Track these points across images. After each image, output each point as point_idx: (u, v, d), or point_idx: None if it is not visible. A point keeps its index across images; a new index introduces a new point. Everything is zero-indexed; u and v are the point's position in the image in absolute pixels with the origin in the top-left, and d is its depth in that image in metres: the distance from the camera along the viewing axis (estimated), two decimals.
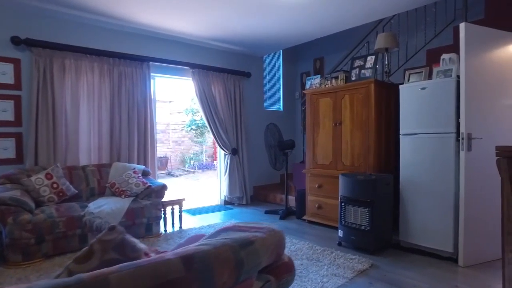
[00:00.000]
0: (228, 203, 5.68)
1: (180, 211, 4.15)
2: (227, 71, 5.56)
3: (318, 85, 4.19)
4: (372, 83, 3.54)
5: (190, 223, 4.41)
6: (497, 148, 1.60)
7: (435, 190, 2.98)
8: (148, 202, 3.73)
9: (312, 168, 4.21)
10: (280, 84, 6.60)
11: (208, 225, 4.20)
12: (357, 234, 3.18)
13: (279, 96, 6.60)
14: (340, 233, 3.35)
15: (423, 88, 3.08)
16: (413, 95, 3.15)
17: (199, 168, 10.50)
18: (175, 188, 8.04)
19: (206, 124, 5.43)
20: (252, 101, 6.05)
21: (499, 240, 3.11)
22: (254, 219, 4.59)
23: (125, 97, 4.47)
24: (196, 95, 5.26)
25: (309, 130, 4.26)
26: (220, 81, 5.49)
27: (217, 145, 5.61)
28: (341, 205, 3.34)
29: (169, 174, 10.10)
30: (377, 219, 3.09)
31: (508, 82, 3.03)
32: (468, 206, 2.79)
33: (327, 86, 4.06)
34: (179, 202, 4.15)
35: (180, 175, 10.05)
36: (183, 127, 11.22)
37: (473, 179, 2.80)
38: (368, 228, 3.10)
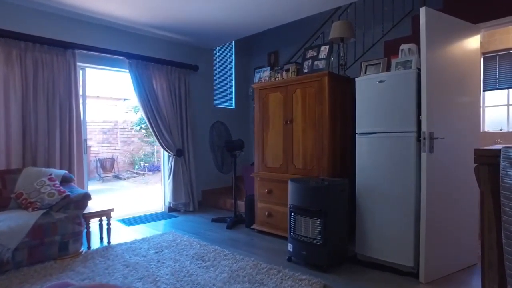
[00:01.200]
0: (173, 210, 5.11)
1: (109, 224, 3.53)
2: (171, 64, 4.98)
3: (267, 78, 3.75)
4: (325, 76, 3.15)
5: (124, 236, 3.80)
6: (476, 152, 1.21)
7: (395, 196, 2.63)
8: (64, 216, 3.08)
9: (261, 171, 3.77)
10: (232, 80, 6.11)
11: (143, 239, 3.61)
12: (309, 249, 2.76)
13: (231, 93, 6.11)
14: (290, 247, 2.92)
15: (381, 81, 2.72)
16: (370, 89, 2.79)
17: (150, 170, 9.77)
18: (119, 193, 7.30)
19: (147, 122, 4.83)
20: (201, 97, 5.51)
21: (462, 248, 2.85)
22: (199, 229, 4.07)
23: (42, 89, 3.77)
24: (134, 89, 4.64)
25: (257, 129, 3.81)
26: (162, 75, 4.91)
27: (160, 146, 5.02)
28: (290, 215, 2.91)
29: (116, 177, 9.29)
30: (330, 231, 2.69)
31: (468, 77, 2.75)
32: (430, 215, 2.46)
33: (277, 79, 3.63)
34: (106, 213, 3.53)
35: (128, 178, 9.27)
36: (132, 126, 10.41)
37: (435, 184, 2.47)
38: (320, 241, 2.69)
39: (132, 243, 3.48)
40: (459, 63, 2.67)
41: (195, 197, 5.20)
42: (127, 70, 4.56)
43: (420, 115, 2.45)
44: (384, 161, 2.69)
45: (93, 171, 9.32)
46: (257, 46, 6.09)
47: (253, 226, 3.90)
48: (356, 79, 2.90)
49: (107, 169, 9.33)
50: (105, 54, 4.33)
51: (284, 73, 3.56)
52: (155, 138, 4.94)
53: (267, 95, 3.69)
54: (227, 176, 5.57)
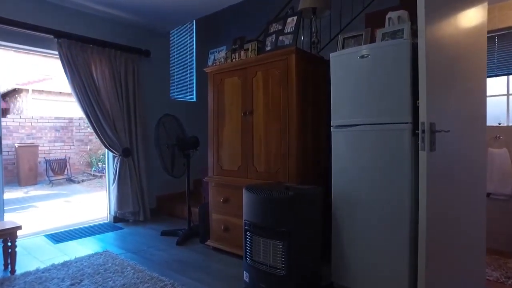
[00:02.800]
0: (120, 220, 4.31)
1: (12, 247, 2.71)
2: (116, 47, 4.17)
3: (223, 60, 3.03)
4: (292, 53, 2.46)
5: (43, 258, 2.99)
6: None
7: (382, 210, 1.97)
8: None
9: (216, 175, 3.04)
10: (193, 69, 5.35)
11: (63, 263, 2.82)
12: (269, 281, 2.07)
13: (192, 84, 5.35)
14: (246, 276, 2.22)
15: (363, 56, 2.05)
16: (349, 68, 2.12)
17: None
18: (66, 199, 6.40)
19: (84, 116, 4.00)
20: (154, 88, 4.72)
21: (469, 275, 2.25)
22: (142, 245, 3.30)
23: None
24: (66, 76, 3.81)
25: (211, 123, 3.08)
26: (105, 59, 4.09)
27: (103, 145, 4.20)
28: (246, 234, 2.20)
29: (70, 180, 8.33)
30: (297, 258, 2.00)
31: (474, 58, 2.12)
32: (432, 234, 1.80)
33: (234, 60, 2.91)
34: (9, 232, 2.70)
35: (83, 180, 8.32)
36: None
37: (438, 193, 1.82)
38: (284, 272, 1.99)
39: (45, 270, 2.67)
40: (463, 39, 2.03)
41: (147, 205, 4.42)
42: (57, 53, 3.73)
43: (418, 100, 1.79)
44: (368, 162, 2.02)
45: (43, 173, 8.32)
46: (222, 31, 5.35)
47: (208, 242, 3.17)
48: (331, 54, 2.22)
49: (58, 171, 8.35)
50: (24, 30, 3.48)
51: (242, 52, 2.85)
52: (96, 136, 4.13)
53: (223, 81, 2.97)
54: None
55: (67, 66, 3.77)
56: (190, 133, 3.70)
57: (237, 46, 2.93)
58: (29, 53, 4.32)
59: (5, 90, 12.89)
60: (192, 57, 5.33)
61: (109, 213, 4.37)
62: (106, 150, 4.29)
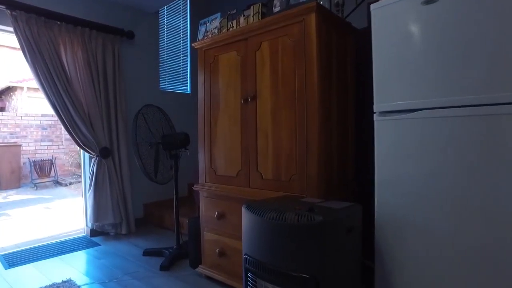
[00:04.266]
0: (99, 233, 3.60)
1: None
2: (91, 25, 3.46)
3: (217, 31, 2.30)
4: (312, 12, 1.72)
5: None
6: None
7: (480, 250, 1.23)
8: None
9: (209, 182, 2.32)
10: (187, 56, 4.63)
11: None
12: None
13: (186, 72, 4.63)
14: None
15: (429, 2, 1.31)
16: (406, 22, 1.39)
17: None
18: (46, 204, 5.71)
19: (52, 109, 3.30)
20: (140, 76, 4.00)
21: None
22: (117, 271, 2.60)
23: None
24: (26, 59, 3.10)
25: (202, 113, 2.36)
26: (77, 40, 3.38)
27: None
28: (246, 276, 1.47)
29: (56, 183, 7.64)
30: None
31: None
32: None
33: (231, 29, 2.18)
34: None
35: (71, 183, 7.63)
36: None
37: None
38: None
39: None
40: None
41: (131, 215, 3.71)
42: (12, 29, 3.02)
43: None
44: (444, 168, 1.29)
45: (29, 176, 7.65)
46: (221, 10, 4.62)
47: (200, 268, 2.45)
48: (373, 6, 1.49)
49: (44, 173, 7.67)
50: None
51: (242, 19, 2.12)
52: (67, 133, 3.42)
53: (216, 59, 2.24)
54: (182, 183, 4.11)
55: (26, 47, 3.06)
56: (182, 130, 2.99)
57: (235, 11, 2.20)
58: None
59: (0, 88, 12.29)
60: (186, 42, 4.61)
61: (86, 225, 3.66)
62: (81, 150, 3.58)
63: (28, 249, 3.25)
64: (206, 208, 2.34)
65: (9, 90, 11.82)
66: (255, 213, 1.36)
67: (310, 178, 1.75)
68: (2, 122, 8.07)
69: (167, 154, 2.82)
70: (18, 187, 7.54)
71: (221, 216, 2.20)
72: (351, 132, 2.14)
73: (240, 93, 2.09)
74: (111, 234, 3.62)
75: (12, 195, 6.79)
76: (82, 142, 3.41)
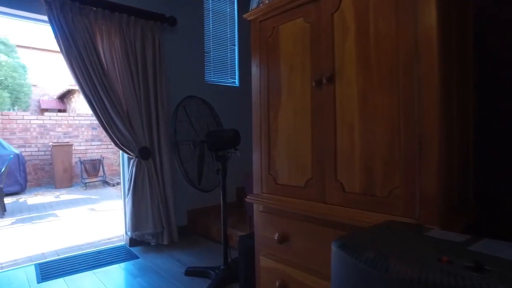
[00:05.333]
0: (138, 243, 3.24)
1: None
2: (129, 11, 3.09)
3: None
4: None
5: None
6: None
7: None
8: None
9: (266, 193, 1.77)
10: (235, 45, 4.15)
11: None
12: None
13: (234, 64, 4.15)
14: None
15: None
16: None
17: None
18: (90, 206, 5.55)
19: (87, 105, 2.97)
20: (183, 68, 3.59)
21: None
22: None
23: None
24: (60, 49, 2.79)
25: (257, 104, 1.81)
26: (114, 28, 3.03)
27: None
28: None
29: (105, 182, 7.59)
30: None
31: None
32: None
33: None
34: None
35: (118, 183, 7.53)
36: None
37: None
38: None
39: None
40: None
41: (173, 224, 3.30)
42: (46, 18, 2.71)
43: None
44: None
45: (79, 175, 7.68)
46: None
47: None
48: None
49: (93, 172, 7.65)
50: None
51: None
52: (104, 132, 3.08)
53: (276, 31, 1.70)
54: (230, 187, 3.64)
55: (61, 37, 2.74)
56: (228, 127, 2.49)
57: None
58: None
59: (62, 92, 12.87)
60: (234, 29, 4.13)
61: (125, 233, 3.31)
62: (120, 151, 3.22)
63: (65, 259, 2.95)
64: (262, 226, 1.80)
65: (69, 93, 12.33)
66: (363, 261, 0.79)
67: (425, 195, 1.14)
68: (57, 123, 8.21)
69: (213, 155, 2.33)
70: (70, 186, 7.59)
71: (283, 239, 1.65)
72: (471, 130, 1.49)
73: (310, 74, 1.52)
74: (152, 244, 3.23)
75: (64, 194, 6.80)
76: (120, 141, 3.04)
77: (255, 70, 1.81)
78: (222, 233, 2.41)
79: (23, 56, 13.74)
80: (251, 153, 1.83)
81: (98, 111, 2.92)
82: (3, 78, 12.42)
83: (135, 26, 3.13)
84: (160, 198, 3.19)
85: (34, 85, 14.11)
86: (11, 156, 5.83)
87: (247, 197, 1.85)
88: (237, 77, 4.13)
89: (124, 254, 3.01)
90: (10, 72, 12.82)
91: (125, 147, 3.07)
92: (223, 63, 4.03)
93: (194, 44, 3.68)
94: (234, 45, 4.13)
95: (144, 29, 3.18)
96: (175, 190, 3.34)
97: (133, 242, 3.22)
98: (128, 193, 3.11)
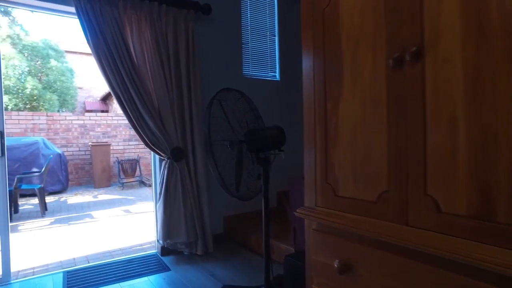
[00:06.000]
0: (171, 252, 2.98)
1: None
2: (161, 0, 2.83)
3: None
4: None
5: None
6: None
7: None
8: None
9: (322, 206, 1.39)
10: (275, 35, 3.79)
11: None
12: None
13: (274, 56, 3.79)
14: None
15: None
16: None
17: None
18: (125, 207, 5.42)
19: (116, 101, 2.74)
20: (219, 60, 3.29)
21: None
22: None
23: None
24: (88, 42, 2.58)
25: (310, 95, 1.43)
26: (144, 18, 2.78)
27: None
28: None
29: (141, 183, 7.53)
30: None
31: None
32: None
33: None
34: None
35: None
36: None
37: None
38: None
39: None
40: None
41: (208, 232, 3.00)
42: (74, 11, 2.51)
43: None
44: None
45: (117, 175, 7.69)
46: None
47: None
48: None
49: (130, 172, 7.61)
50: None
51: None
52: (134, 131, 2.83)
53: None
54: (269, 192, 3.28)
55: (88, 29, 2.53)
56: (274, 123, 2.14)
57: None
58: None
59: (104, 94, 13.25)
60: (273, 18, 3.77)
61: (157, 241, 3.06)
62: (152, 152, 2.97)
63: (93, 267, 2.75)
64: (316, 249, 1.43)
65: (111, 95, 12.63)
66: None
67: None
68: (96, 123, 8.30)
69: (253, 157, 1.99)
70: (108, 186, 7.62)
71: (345, 268, 1.27)
72: None
73: (384, 51, 1.12)
74: (185, 253, 2.96)
75: (102, 194, 6.79)
76: (151, 141, 2.79)
77: (307, 51, 1.44)
78: (264, 249, 2.05)
79: (71, 61, 14.28)
80: (295, 155, 1.46)
81: (127, 108, 2.68)
82: (53, 81, 12.93)
83: (167, 15, 2.86)
84: (194, 203, 2.90)
85: (80, 88, 14.65)
86: (51, 156, 5.86)
87: (297, 210, 1.48)
88: (277, 70, 3.77)
89: (154, 265, 2.76)
90: (59, 76, 13.34)
91: (156, 147, 2.81)
92: (262, 55, 3.69)
93: (230, 34, 3.36)
94: (274, 35, 3.77)
95: (177, 19, 2.91)
96: (210, 195, 3.05)
97: (165, 250, 2.96)
98: (160, 198, 2.85)
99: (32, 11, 2.70)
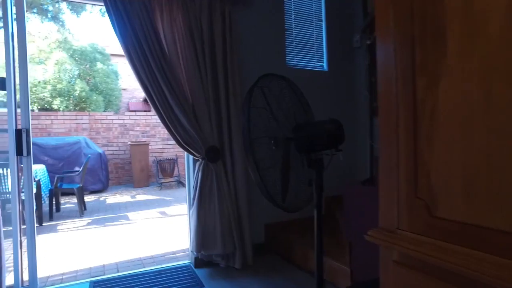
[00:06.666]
0: (206, 264, 2.65)
1: None
2: None
3: None
4: None
5: None
6: None
7: None
8: None
9: (410, 231, 0.96)
10: (321, 20, 3.36)
11: None
12: None
13: (321, 44, 3.36)
14: None
15: None
16: None
17: None
18: (161, 209, 5.23)
19: (146, 97, 2.45)
20: (259, 49, 2.92)
21: None
22: None
23: None
24: (115, 31, 2.32)
25: (392, 65, 1.02)
26: (176, 2, 2.47)
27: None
28: None
29: (179, 183, 7.37)
30: None
31: None
32: None
33: None
34: None
35: None
36: None
37: None
38: None
39: None
40: None
41: (248, 242, 2.64)
42: (102, 3, 2.27)
43: None
44: None
45: (155, 175, 7.60)
46: None
47: None
48: None
49: (167, 172, 7.48)
50: None
51: None
52: (165, 128, 2.54)
53: None
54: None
55: (115, 15, 2.27)
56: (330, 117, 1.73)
57: None
58: None
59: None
60: (320, 2, 3.34)
61: (191, 252, 2.75)
62: (185, 152, 2.66)
63: (121, 278, 2.50)
64: None
65: None
66: None
67: None
68: (136, 122, 8.29)
69: (304, 158, 1.60)
70: (147, 186, 7.55)
71: None
72: None
73: None
74: (221, 266, 2.62)
75: (140, 194, 6.70)
76: (183, 139, 2.48)
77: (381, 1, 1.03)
78: (316, 272, 1.65)
79: (116, 64, 14.65)
80: (346, 153, 1.04)
81: (157, 103, 2.39)
82: (99, 83, 13.31)
83: (202, 4, 2.54)
84: (231, 209, 2.56)
85: (123, 89, 15.01)
86: (89, 155, 5.83)
87: (369, 233, 1.07)
88: (325, 59, 3.34)
89: (186, 279, 2.44)
90: (104, 78, 13.71)
91: (189, 146, 2.50)
92: (308, 43, 3.27)
93: (272, 19, 2.99)
94: (321, 21, 3.34)
95: (212, 3, 2.58)
96: (250, 199, 2.69)
97: (199, 262, 2.65)
98: (193, 203, 2.54)
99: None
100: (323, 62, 3.34)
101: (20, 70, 2.28)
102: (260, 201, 2.78)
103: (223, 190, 2.55)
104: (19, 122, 2.28)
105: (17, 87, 2.29)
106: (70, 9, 10.68)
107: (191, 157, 2.69)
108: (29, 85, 2.34)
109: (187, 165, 2.81)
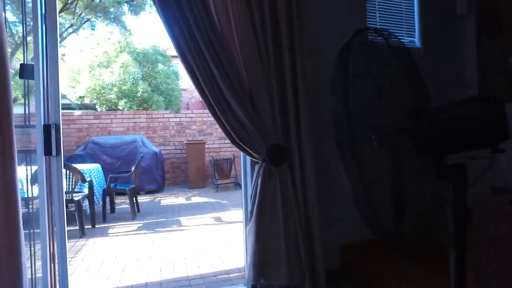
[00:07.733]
0: None
1: None
2: None
3: None
4: None
5: None
6: None
7: None
8: None
9: None
10: None
11: None
12: None
13: (412, 14, 2.62)
14: None
15: None
16: None
17: None
18: (218, 215, 4.80)
19: (191, 80, 1.95)
20: (333, 23, 2.29)
21: None
22: None
23: None
24: (154, 2, 1.85)
25: None
26: None
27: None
28: None
29: (237, 184, 6.95)
30: None
31: None
32: None
33: None
34: None
35: None
36: None
37: None
38: None
39: None
40: None
41: (320, 268, 2.02)
42: None
43: None
44: None
45: (212, 175, 7.27)
46: None
47: None
48: None
49: (224, 173, 7.09)
50: None
51: None
52: (215, 120, 2.01)
53: None
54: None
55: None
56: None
57: None
58: None
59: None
60: None
61: (246, 276, 2.20)
62: (242, 152, 2.12)
63: None
64: None
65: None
66: None
67: None
68: (192, 120, 8.07)
69: (430, 165, 0.95)
70: (203, 186, 7.24)
71: None
72: None
73: None
74: None
75: (195, 196, 6.39)
76: (238, 135, 1.94)
77: None
78: None
79: (176, 64, 14.84)
80: None
81: (204, 87, 1.87)
82: (160, 84, 13.52)
83: None
84: (300, 226, 1.96)
85: (183, 90, 15.19)
86: (142, 155, 5.61)
87: None
88: (417, 33, 2.60)
89: None
90: (165, 79, 13.92)
91: (245, 144, 1.95)
92: (395, 13, 2.56)
93: None
94: None
95: None
96: (323, 214, 2.07)
97: None
98: (251, 218, 1.98)
99: None
100: (414, 37, 2.60)
101: (50, 56, 1.91)
102: (334, 215, 2.16)
103: (289, 201, 1.96)
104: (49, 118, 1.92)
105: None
106: (130, 10, 10.87)
107: (248, 158, 2.15)
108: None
109: (244, 168, 2.27)
